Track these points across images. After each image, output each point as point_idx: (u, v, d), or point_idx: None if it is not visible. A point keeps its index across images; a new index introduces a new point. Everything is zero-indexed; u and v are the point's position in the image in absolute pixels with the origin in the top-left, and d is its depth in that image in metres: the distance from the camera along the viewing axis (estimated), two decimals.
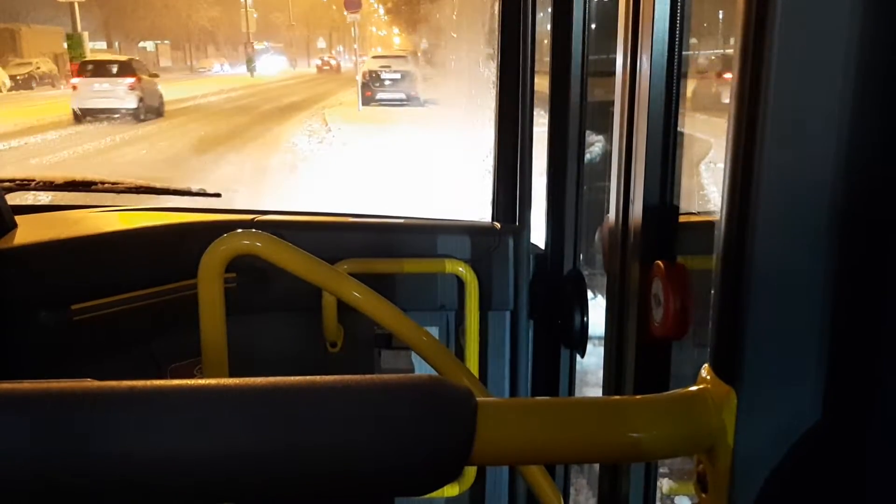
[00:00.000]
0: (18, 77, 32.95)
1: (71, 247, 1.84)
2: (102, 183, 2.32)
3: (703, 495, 0.66)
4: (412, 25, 42.25)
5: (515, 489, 2.11)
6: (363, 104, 22.99)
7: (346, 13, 25.03)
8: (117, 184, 2.36)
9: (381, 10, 56.40)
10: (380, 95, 24.12)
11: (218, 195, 2.45)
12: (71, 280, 1.82)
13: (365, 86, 24.00)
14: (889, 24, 0.53)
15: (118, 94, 19.40)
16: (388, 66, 25.13)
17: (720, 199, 0.63)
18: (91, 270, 1.86)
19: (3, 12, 37.83)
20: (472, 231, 2.13)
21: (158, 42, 53.51)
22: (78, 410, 0.54)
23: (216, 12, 54.22)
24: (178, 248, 1.91)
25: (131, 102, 19.55)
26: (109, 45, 46.83)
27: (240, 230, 1.35)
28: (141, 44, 51.60)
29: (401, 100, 23.86)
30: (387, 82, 24.60)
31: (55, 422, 0.53)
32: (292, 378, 0.58)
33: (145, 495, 0.56)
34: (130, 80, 19.70)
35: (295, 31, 65.37)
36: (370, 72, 24.86)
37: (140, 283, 1.88)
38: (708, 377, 0.64)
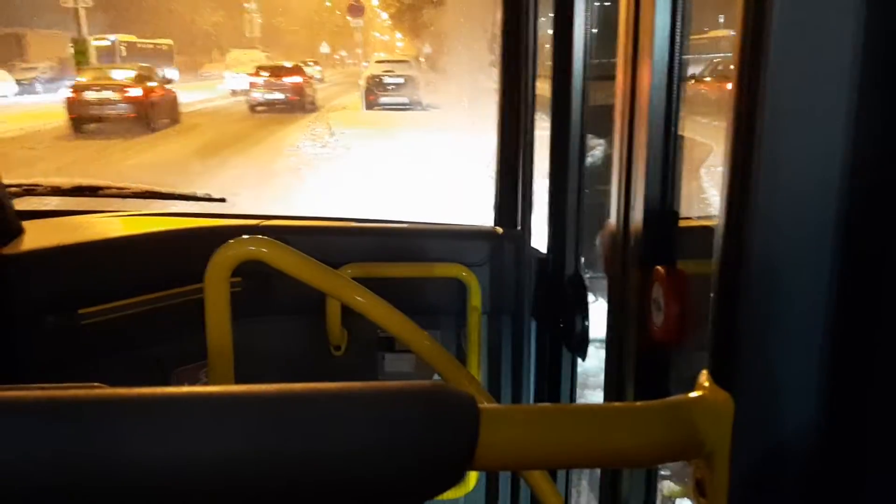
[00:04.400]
0: (24, 81, 32.97)
1: (77, 252, 1.85)
2: (108, 188, 2.33)
3: (702, 500, 0.66)
4: (415, 31, 42.30)
5: (517, 493, 2.11)
6: (366, 108, 22.99)
7: (349, 18, 25.02)
8: (123, 189, 2.37)
9: (384, 16, 56.47)
10: (382, 100, 24.04)
11: (223, 200, 2.46)
12: (78, 285, 1.83)
13: (368, 90, 23.95)
14: (888, 25, 0.54)
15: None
16: (391, 71, 25.05)
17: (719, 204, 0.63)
18: (98, 275, 1.87)
19: (9, 17, 37.90)
20: (474, 235, 2.14)
21: None
22: (86, 416, 0.54)
23: (220, 17, 54.23)
24: (184, 252, 1.92)
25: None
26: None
27: (245, 236, 1.36)
28: None
29: (404, 104, 23.82)
30: (390, 87, 24.50)
31: (63, 427, 0.54)
32: (295, 385, 0.58)
33: (151, 501, 0.56)
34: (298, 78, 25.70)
35: (298, 36, 65.38)
36: (373, 76, 24.78)
37: (147, 288, 1.89)
38: (706, 383, 0.65)
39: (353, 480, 0.58)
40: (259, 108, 22.69)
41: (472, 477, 2.03)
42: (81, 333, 1.78)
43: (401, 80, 24.60)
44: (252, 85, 23.55)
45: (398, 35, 59.07)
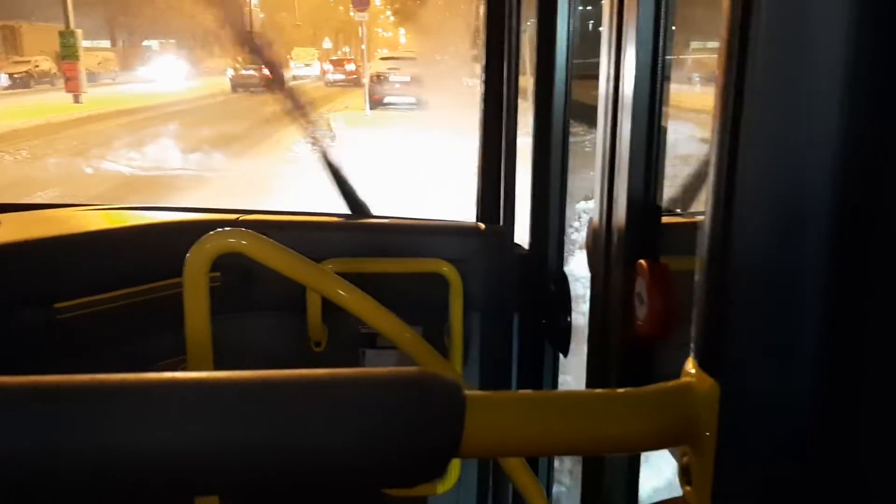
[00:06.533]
0: (16, 75, 32.92)
1: (54, 245, 1.85)
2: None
3: (688, 487, 0.67)
4: (420, 27, 42.47)
5: (500, 483, 2.13)
6: (371, 108, 22.49)
7: (352, 13, 24.83)
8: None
9: (388, 12, 56.64)
10: (388, 99, 23.60)
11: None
12: (54, 278, 1.83)
13: (372, 89, 23.41)
14: (875, 25, 0.54)
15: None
16: (397, 68, 24.57)
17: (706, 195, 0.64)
18: (75, 269, 1.87)
19: (4, 8, 37.93)
20: (456, 231, 2.16)
21: (163, 41, 53.47)
22: (59, 403, 0.55)
23: (221, 12, 54.15)
24: (162, 246, 1.93)
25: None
26: (113, 44, 46.89)
27: (225, 228, 1.37)
28: (145, 42, 51.64)
29: (410, 104, 23.45)
30: (396, 85, 24.10)
31: (37, 415, 0.54)
32: (279, 371, 0.59)
33: (128, 489, 0.56)
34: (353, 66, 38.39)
35: (301, 31, 65.46)
36: (378, 74, 24.26)
37: (125, 282, 1.90)
38: (692, 370, 0.66)
39: (338, 468, 0.58)
40: (329, 83, 36.82)
41: (455, 469, 2.04)
42: (58, 328, 1.78)
43: (407, 79, 24.18)
44: (325, 70, 40.18)
45: (402, 31, 59.17)
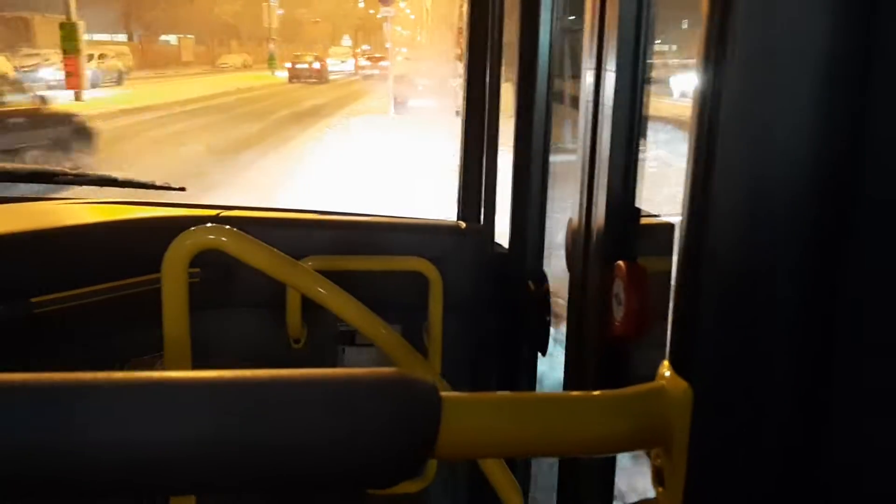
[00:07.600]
0: (24, 68, 32.81)
1: (31, 238, 1.86)
2: (65, 174, 2.33)
3: (660, 489, 0.69)
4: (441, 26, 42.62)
5: (477, 484, 2.13)
6: (395, 113, 21.85)
7: (374, 10, 24.72)
8: (80, 175, 2.37)
9: (408, 10, 56.97)
10: (412, 102, 22.98)
11: (182, 189, 2.50)
12: (31, 273, 1.83)
13: (395, 90, 22.79)
14: (853, 27, 0.55)
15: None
16: (422, 69, 24.48)
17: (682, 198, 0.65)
18: (52, 263, 1.87)
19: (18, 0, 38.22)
20: (436, 230, 2.19)
21: (181, 36, 53.71)
22: (33, 401, 0.55)
23: (239, 6, 54.73)
24: (141, 241, 1.94)
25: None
26: (130, 39, 47.17)
27: (205, 224, 1.38)
28: (163, 37, 51.94)
29: (434, 108, 23.01)
30: (419, 87, 23.74)
31: (10, 413, 0.54)
32: (255, 371, 0.59)
33: (103, 488, 0.57)
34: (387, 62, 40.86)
35: (319, 28, 65.72)
36: (402, 75, 23.87)
37: (103, 277, 1.90)
38: (666, 373, 0.67)
39: (313, 467, 0.59)
40: (365, 75, 45.13)
41: (431, 469, 2.05)
42: (34, 322, 1.78)
43: (432, 81, 23.65)
44: (362, 66, 49.09)
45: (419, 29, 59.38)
